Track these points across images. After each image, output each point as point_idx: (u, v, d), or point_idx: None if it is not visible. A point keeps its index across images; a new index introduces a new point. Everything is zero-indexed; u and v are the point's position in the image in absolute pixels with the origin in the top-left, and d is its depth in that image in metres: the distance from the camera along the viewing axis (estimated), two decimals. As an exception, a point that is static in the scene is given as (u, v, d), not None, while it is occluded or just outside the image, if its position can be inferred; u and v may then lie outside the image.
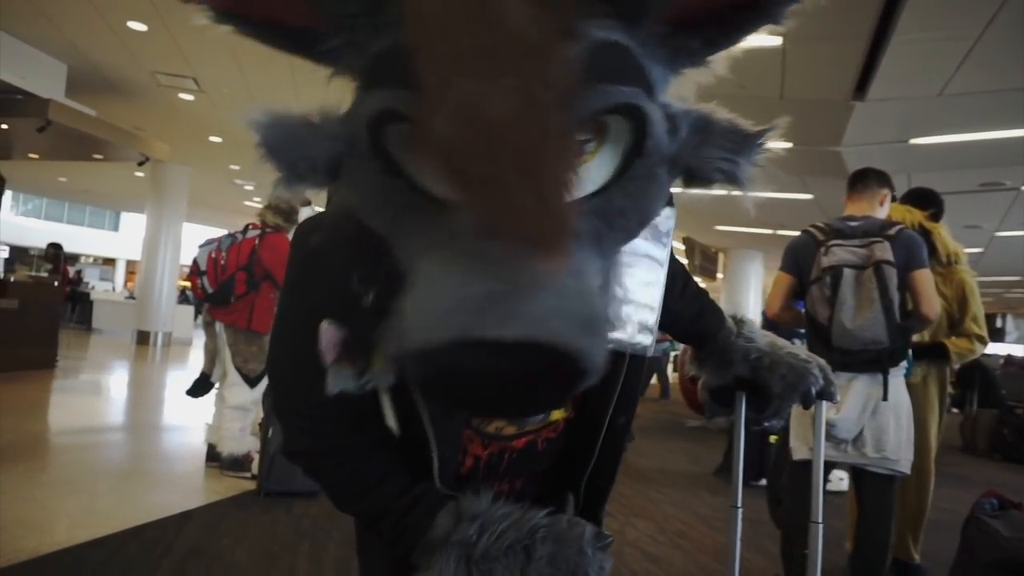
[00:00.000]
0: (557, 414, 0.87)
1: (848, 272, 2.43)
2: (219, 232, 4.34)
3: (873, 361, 2.40)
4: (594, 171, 0.54)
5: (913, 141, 6.18)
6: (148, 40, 6.53)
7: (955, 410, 9.19)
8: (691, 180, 0.62)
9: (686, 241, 13.18)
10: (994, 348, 27.12)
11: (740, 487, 1.30)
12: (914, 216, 3.05)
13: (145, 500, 3.51)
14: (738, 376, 1.10)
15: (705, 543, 3.49)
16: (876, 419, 2.42)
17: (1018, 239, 10.44)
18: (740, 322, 1.11)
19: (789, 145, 6.64)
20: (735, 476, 1.31)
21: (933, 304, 2.44)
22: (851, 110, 5.49)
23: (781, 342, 1.12)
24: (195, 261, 4.06)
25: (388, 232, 0.56)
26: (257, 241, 4.00)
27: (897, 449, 2.42)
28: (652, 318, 0.83)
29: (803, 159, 7.00)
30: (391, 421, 0.74)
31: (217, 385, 4.16)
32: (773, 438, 2.92)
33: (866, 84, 5.04)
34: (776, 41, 4.52)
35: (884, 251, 2.39)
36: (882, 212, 2.68)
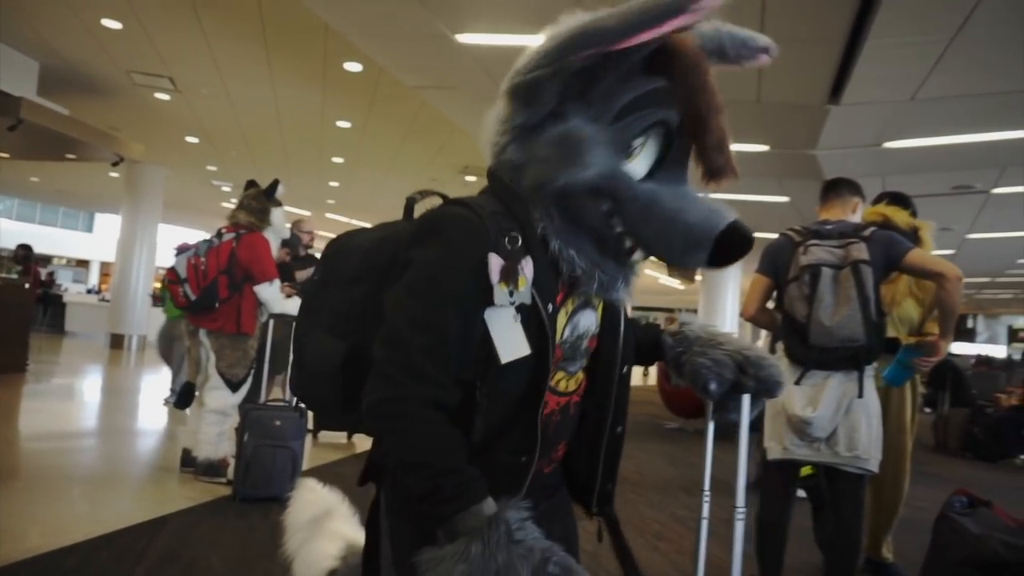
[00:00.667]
0: (579, 376, 1.08)
1: (826, 271, 2.47)
2: (196, 234, 4.31)
3: (849, 358, 2.43)
4: None
5: (887, 145, 6.28)
6: (123, 38, 6.44)
7: (928, 410, 9.36)
8: None
9: (665, 243, 13.26)
10: (965, 348, 27.65)
11: (743, 488, 1.30)
12: (900, 215, 3.10)
13: (118, 506, 3.45)
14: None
15: (683, 544, 3.51)
16: (849, 418, 2.45)
17: (988, 241, 10.64)
18: (682, 324, 1.20)
19: (766, 148, 6.72)
20: (738, 476, 1.32)
21: (942, 264, 2.47)
22: (826, 114, 5.56)
23: (726, 340, 1.15)
24: (173, 269, 3.98)
25: (624, 192, 0.92)
26: (235, 243, 3.94)
27: (868, 448, 2.46)
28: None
29: (780, 162, 7.08)
30: (520, 346, 0.93)
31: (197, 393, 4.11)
32: (806, 470, 2.96)
33: (841, 88, 5.10)
34: (753, 45, 4.57)
35: (861, 251, 2.45)
36: (855, 219, 2.74)
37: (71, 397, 7.21)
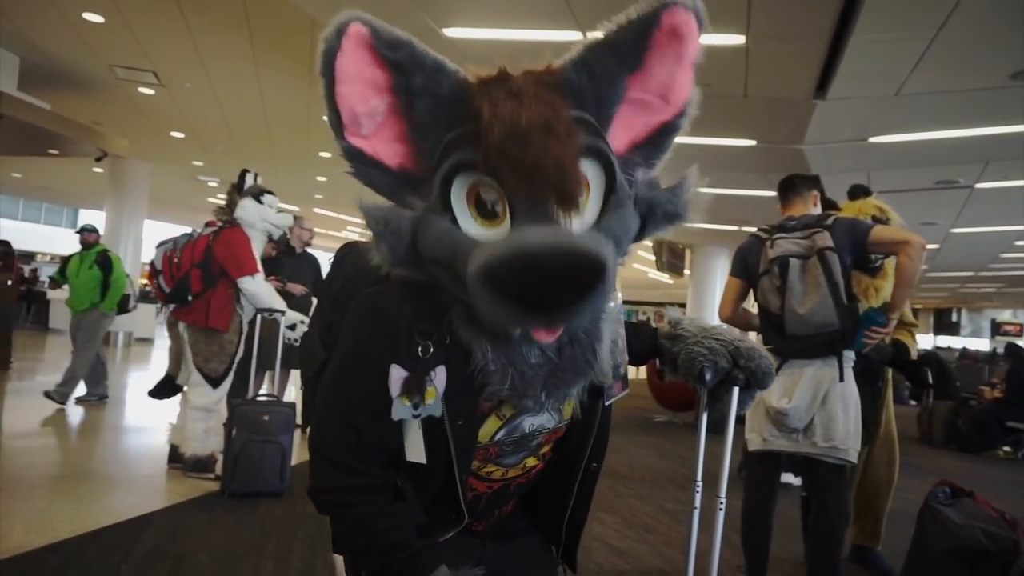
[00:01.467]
0: (531, 462, 1.05)
1: (794, 261, 2.55)
2: (182, 230, 4.28)
3: (827, 344, 2.46)
4: (588, 213, 0.83)
5: (872, 139, 6.32)
6: (105, 32, 6.36)
7: (913, 402, 9.46)
8: (648, 218, 0.91)
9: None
10: (949, 342, 27.92)
11: (726, 479, 1.31)
12: (867, 206, 3.14)
13: (104, 503, 3.43)
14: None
15: (671, 537, 3.53)
16: (825, 409, 2.48)
17: (972, 235, 10.74)
18: (675, 324, 1.20)
19: (752, 143, 6.75)
20: (723, 468, 1.32)
21: (907, 234, 2.52)
22: (813, 109, 5.59)
23: (720, 332, 1.16)
24: (152, 262, 4.03)
25: (450, 259, 0.81)
26: (212, 238, 3.94)
27: (846, 438, 2.48)
28: (623, 367, 1.07)
29: (767, 157, 7.11)
30: (419, 453, 0.91)
31: (185, 388, 4.08)
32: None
33: (827, 84, 5.13)
34: (739, 40, 4.58)
35: (825, 239, 2.51)
36: (816, 211, 2.81)
37: (56, 395, 7.12)
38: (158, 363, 10.85)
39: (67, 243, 9.63)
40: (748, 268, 2.73)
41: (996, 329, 27.49)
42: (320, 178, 12.54)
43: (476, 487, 1.03)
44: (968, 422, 7.48)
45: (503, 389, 0.87)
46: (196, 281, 3.87)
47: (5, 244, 9.35)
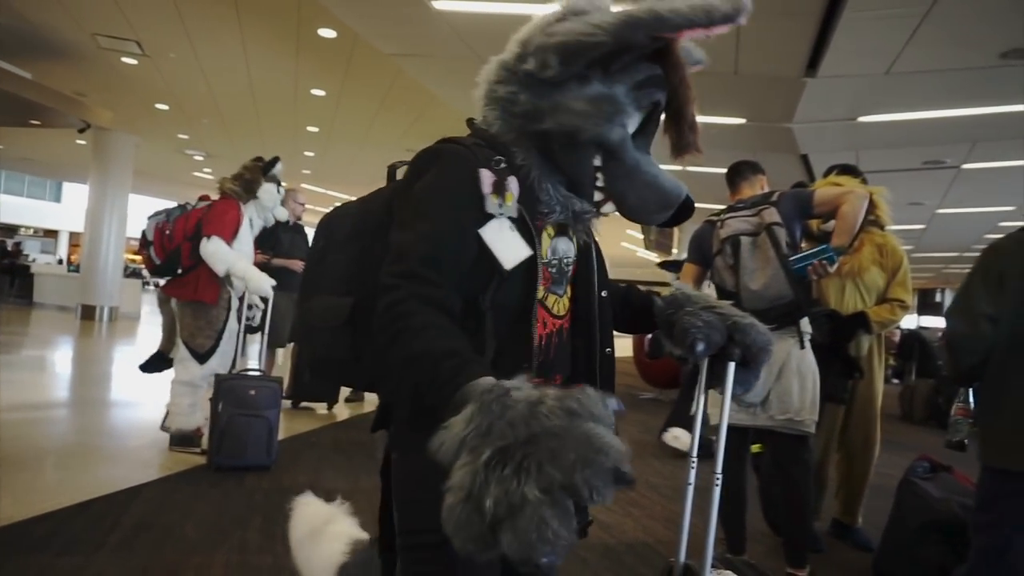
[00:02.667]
0: (565, 301, 1.18)
1: (744, 239, 2.62)
2: (168, 204, 4.24)
3: (784, 315, 2.51)
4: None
5: (862, 119, 6.33)
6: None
7: (895, 381, 9.59)
8: None
9: (642, 216, 13.31)
10: (933, 321, 28.23)
11: (722, 455, 1.32)
12: (852, 183, 3.15)
13: (92, 476, 3.43)
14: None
15: (655, 510, 3.58)
16: (781, 382, 2.54)
17: (957, 216, 10.83)
18: (675, 290, 1.23)
19: (742, 121, 6.73)
20: (718, 444, 1.33)
21: (846, 188, 2.66)
22: (803, 86, 5.58)
23: (719, 305, 1.17)
24: (143, 232, 3.97)
25: (621, 150, 1.06)
26: (205, 212, 3.91)
27: (801, 410, 2.54)
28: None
29: (756, 135, 7.11)
30: (519, 249, 1.03)
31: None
32: (755, 447, 3.03)
33: (818, 61, 5.11)
34: (731, 16, 4.55)
35: (772, 215, 2.58)
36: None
37: (42, 368, 7.10)
38: (144, 338, 10.81)
39: (50, 216, 9.50)
40: (703, 253, 2.80)
41: (979, 309, 27.75)
42: (308, 153, 12.42)
43: (547, 321, 1.13)
44: (949, 400, 7.57)
45: (562, 215, 1.09)
46: (187, 255, 3.85)
47: None
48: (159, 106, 9.95)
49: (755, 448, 3.02)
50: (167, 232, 3.89)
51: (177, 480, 3.44)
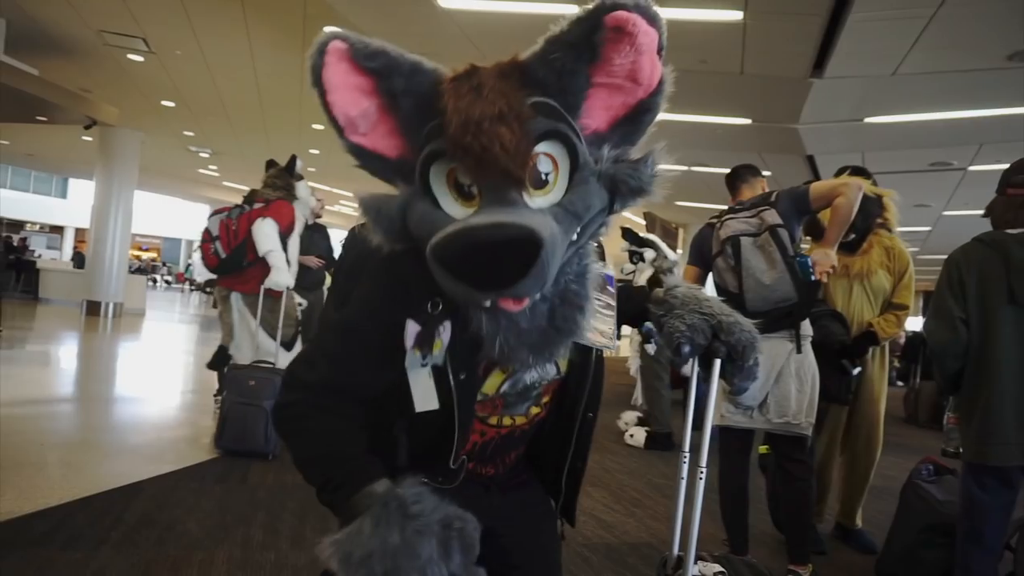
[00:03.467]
0: (534, 410, 1.13)
1: (745, 240, 2.60)
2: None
3: (784, 317, 2.50)
4: (556, 191, 0.90)
5: (868, 120, 6.31)
6: (94, -4, 6.24)
7: (900, 383, 9.56)
8: (616, 192, 0.95)
9: (647, 216, 13.28)
10: (938, 324, 27.96)
11: (707, 449, 1.32)
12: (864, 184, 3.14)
13: (95, 471, 3.44)
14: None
15: (658, 511, 3.57)
16: (779, 386, 2.54)
17: (963, 218, 10.78)
18: (669, 289, 1.20)
19: (748, 122, 6.72)
20: (704, 438, 1.33)
21: (842, 180, 2.66)
22: (809, 87, 5.57)
23: (707, 305, 1.16)
24: (207, 229, 4.24)
25: (428, 233, 0.86)
26: (263, 209, 4.18)
27: (799, 413, 2.55)
28: (611, 328, 1.14)
29: (762, 136, 7.09)
30: (431, 400, 0.97)
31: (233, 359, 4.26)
32: (763, 448, 3.03)
33: (824, 62, 5.10)
34: (737, 16, 4.54)
35: (773, 216, 2.57)
36: None
37: (47, 364, 7.12)
38: (149, 335, 10.84)
39: (56, 212, 9.53)
40: (703, 255, 2.80)
41: (984, 312, 27.66)
42: (313, 151, 12.42)
43: (486, 432, 1.11)
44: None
45: (493, 353, 0.94)
46: (251, 250, 4.09)
47: None
48: (165, 103, 9.97)
49: (763, 449, 3.01)
50: (232, 228, 4.17)
51: (180, 476, 3.45)
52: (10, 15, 6.96)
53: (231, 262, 4.15)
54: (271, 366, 4.08)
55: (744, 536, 2.68)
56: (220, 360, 4.33)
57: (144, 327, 11.58)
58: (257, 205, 4.25)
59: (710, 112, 6.60)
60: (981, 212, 2.49)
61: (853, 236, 3.08)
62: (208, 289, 20.90)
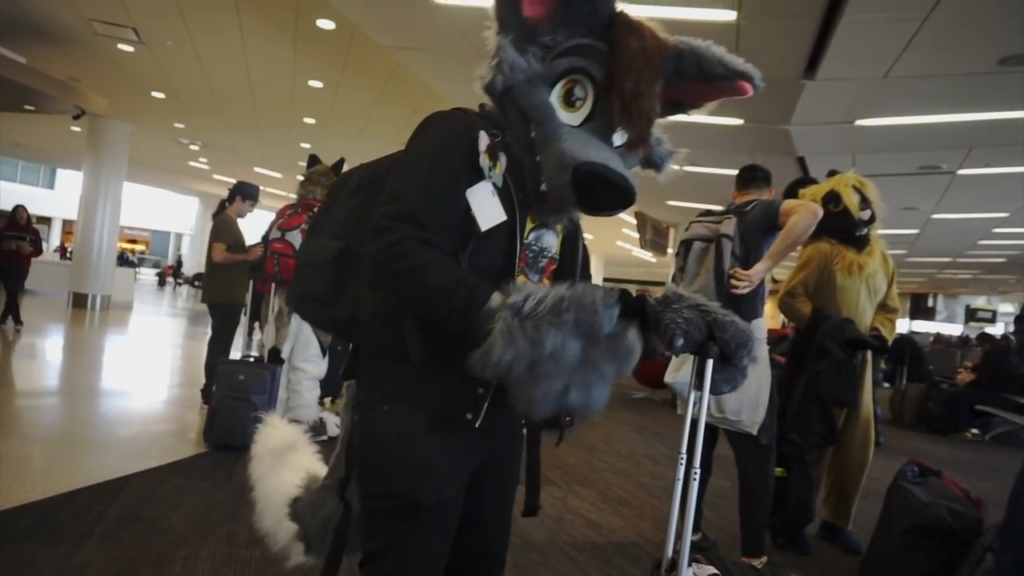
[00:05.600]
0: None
1: (696, 244, 2.70)
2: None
3: None
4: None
5: (859, 122, 6.33)
6: (83, -15, 6.17)
7: (886, 384, 9.62)
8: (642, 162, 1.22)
9: (638, 216, 13.30)
10: (924, 326, 28.36)
11: (699, 451, 1.32)
12: (845, 179, 3.18)
13: (79, 465, 3.41)
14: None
15: (645, 510, 3.58)
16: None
17: (951, 221, 10.86)
18: (669, 293, 1.23)
19: (740, 122, 6.73)
20: (696, 439, 1.34)
21: (807, 202, 2.71)
22: (801, 89, 5.58)
23: (704, 303, 1.18)
24: (287, 243, 4.12)
25: (540, 119, 1.08)
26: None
27: (739, 411, 2.64)
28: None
29: (753, 137, 7.10)
30: (498, 214, 1.10)
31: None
32: (778, 471, 3.04)
33: (816, 64, 5.11)
34: (731, 16, 4.54)
35: (727, 227, 2.63)
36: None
37: (32, 356, 7.05)
38: (136, 327, 10.75)
39: (44, 203, 9.42)
40: None
41: (971, 315, 27.95)
42: (304, 144, 12.35)
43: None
44: (939, 404, 7.63)
45: (534, 205, 1.15)
46: None
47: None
48: (155, 94, 9.88)
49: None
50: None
51: (166, 471, 3.42)
52: (-2, 2, 6.87)
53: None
54: (261, 361, 4.10)
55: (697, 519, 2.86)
56: (273, 359, 4.35)
57: (132, 320, 11.48)
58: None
59: (702, 112, 6.60)
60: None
61: (865, 231, 3.12)
62: (197, 283, 20.72)
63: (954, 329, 27.66)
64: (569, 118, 1.09)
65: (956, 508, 2.51)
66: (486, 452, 1.22)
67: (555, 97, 1.08)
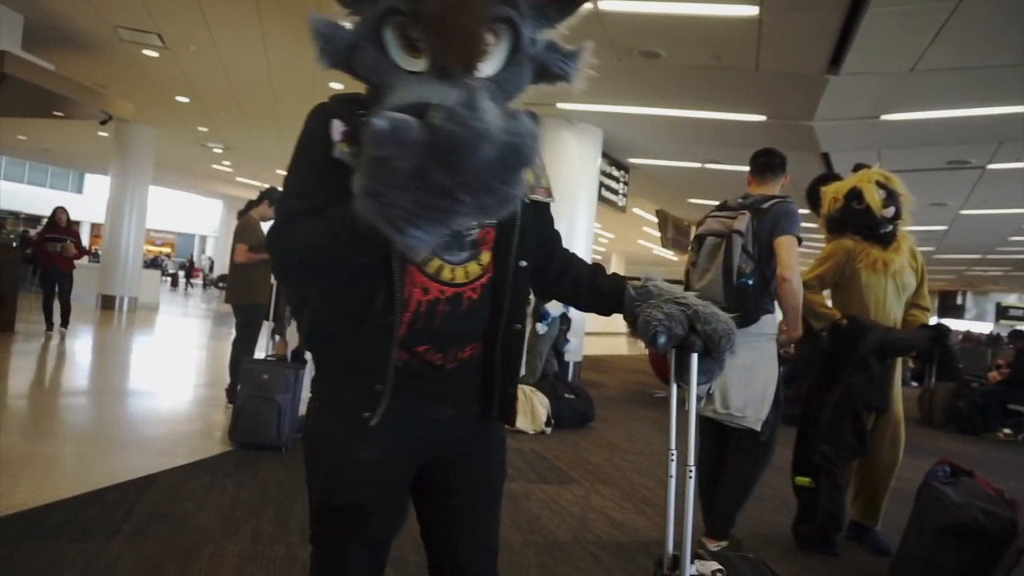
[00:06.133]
0: (474, 268, 1.10)
1: (710, 240, 2.68)
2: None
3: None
4: (491, 65, 0.97)
5: (884, 117, 6.23)
6: (109, -8, 6.27)
7: (914, 384, 9.46)
8: (541, 75, 1.05)
9: (659, 214, 13.21)
10: (953, 324, 27.87)
11: (693, 447, 1.31)
12: (870, 175, 3.13)
13: (108, 464, 3.46)
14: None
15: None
16: (723, 379, 2.60)
17: (980, 217, 10.65)
18: (646, 281, 1.22)
19: (763, 118, 6.66)
20: (689, 436, 1.33)
21: (787, 268, 2.65)
22: (825, 84, 5.50)
23: (684, 296, 1.16)
24: None
25: (379, 81, 0.98)
26: None
27: (743, 407, 2.63)
28: (544, 180, 1.20)
29: (777, 133, 7.02)
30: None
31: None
32: (806, 480, 3.02)
33: (841, 58, 5.03)
34: (753, 11, 4.49)
35: (740, 222, 2.61)
36: (776, 192, 2.92)
37: (61, 357, 7.18)
38: (162, 328, 10.91)
39: (73, 207, 9.59)
40: None
41: (1001, 313, 27.40)
42: (325, 146, 12.47)
43: (429, 289, 1.07)
44: (969, 404, 7.48)
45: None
46: None
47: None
48: (179, 98, 10.02)
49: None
50: None
51: (192, 470, 3.46)
52: (27, 11, 7.00)
53: None
54: (284, 361, 4.14)
55: (710, 504, 2.84)
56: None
57: (158, 321, 11.66)
58: None
59: (724, 109, 6.54)
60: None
61: (891, 228, 3.07)
62: (221, 284, 20.96)
63: (984, 327, 27.13)
64: (415, 65, 0.94)
65: (990, 509, 2.45)
66: (430, 454, 1.16)
67: (395, 48, 0.95)
